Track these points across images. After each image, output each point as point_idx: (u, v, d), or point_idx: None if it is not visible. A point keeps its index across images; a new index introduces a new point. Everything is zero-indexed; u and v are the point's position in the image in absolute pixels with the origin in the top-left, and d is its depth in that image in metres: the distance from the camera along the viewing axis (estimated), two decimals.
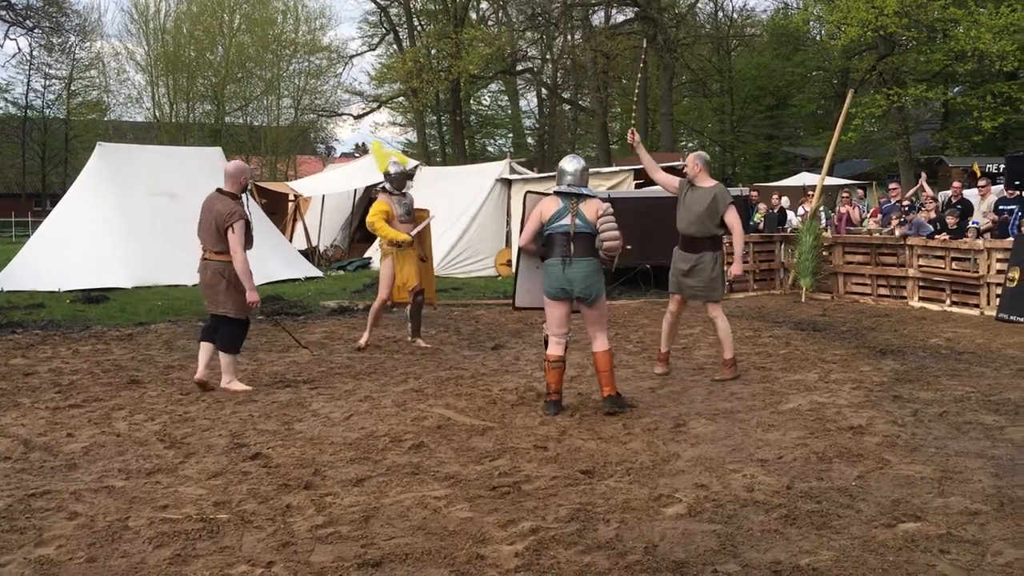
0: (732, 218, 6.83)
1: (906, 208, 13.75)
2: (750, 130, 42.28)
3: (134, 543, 3.72)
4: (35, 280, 13.55)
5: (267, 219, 15.70)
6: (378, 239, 9.10)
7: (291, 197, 21.24)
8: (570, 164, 5.97)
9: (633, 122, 7.79)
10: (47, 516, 4.05)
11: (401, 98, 40.07)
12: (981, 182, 13.65)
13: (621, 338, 9.00)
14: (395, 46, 40.51)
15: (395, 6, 39.81)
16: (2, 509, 4.13)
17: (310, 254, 18.94)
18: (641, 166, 15.57)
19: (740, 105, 41.65)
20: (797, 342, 8.79)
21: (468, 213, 16.94)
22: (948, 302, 11.12)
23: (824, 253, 12.66)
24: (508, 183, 17.19)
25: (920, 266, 11.50)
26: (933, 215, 12.87)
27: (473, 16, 39.44)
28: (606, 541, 3.67)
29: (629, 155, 26.38)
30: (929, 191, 14.31)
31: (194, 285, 12.27)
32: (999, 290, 10.35)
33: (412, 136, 46.58)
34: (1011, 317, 9.89)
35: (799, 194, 19.13)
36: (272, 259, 14.41)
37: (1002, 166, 19.88)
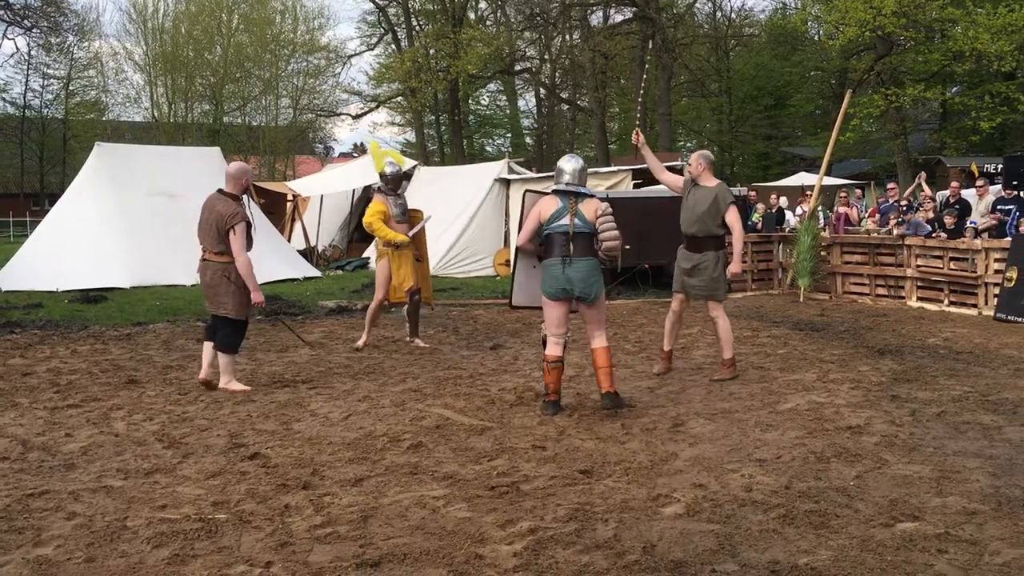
0: (732, 217, 6.84)
1: (904, 208, 13.77)
2: (748, 130, 42.30)
3: (132, 543, 3.72)
4: (33, 280, 13.54)
5: (265, 219, 15.69)
6: (375, 239, 9.10)
7: (289, 197, 21.23)
8: (569, 163, 5.97)
9: (637, 123, 7.79)
10: (45, 516, 4.04)
11: (399, 98, 40.09)
12: (979, 182, 13.67)
13: (619, 338, 9.00)
14: (393, 46, 40.52)
15: (393, 6, 39.82)
16: (0, 509, 4.12)
17: (308, 254, 18.93)
18: (639, 166, 15.74)
19: (738, 105, 41.66)
20: (795, 342, 8.79)
21: (466, 213, 16.94)
22: (946, 302, 11.13)
23: (822, 253, 12.67)
24: (506, 183, 17.20)
25: (918, 266, 11.51)
26: (931, 215, 12.89)
27: (471, 16, 39.44)
28: (604, 541, 3.67)
29: (627, 155, 26.45)
30: (928, 191, 14.32)
31: (193, 285, 12.30)
32: (997, 290, 10.37)
33: (410, 136, 46.62)
34: (1009, 317, 9.90)
35: (797, 194, 19.13)
36: (270, 259, 14.39)
37: (1000, 166, 19.91)
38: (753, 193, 17.31)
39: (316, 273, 16.47)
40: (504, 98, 48.43)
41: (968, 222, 12.16)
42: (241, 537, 3.77)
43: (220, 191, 6.62)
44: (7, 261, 14.94)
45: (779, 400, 6.22)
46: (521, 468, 4.68)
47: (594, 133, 37.14)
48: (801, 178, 26.54)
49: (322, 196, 21.02)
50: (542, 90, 44.03)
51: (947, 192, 13.60)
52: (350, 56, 44.91)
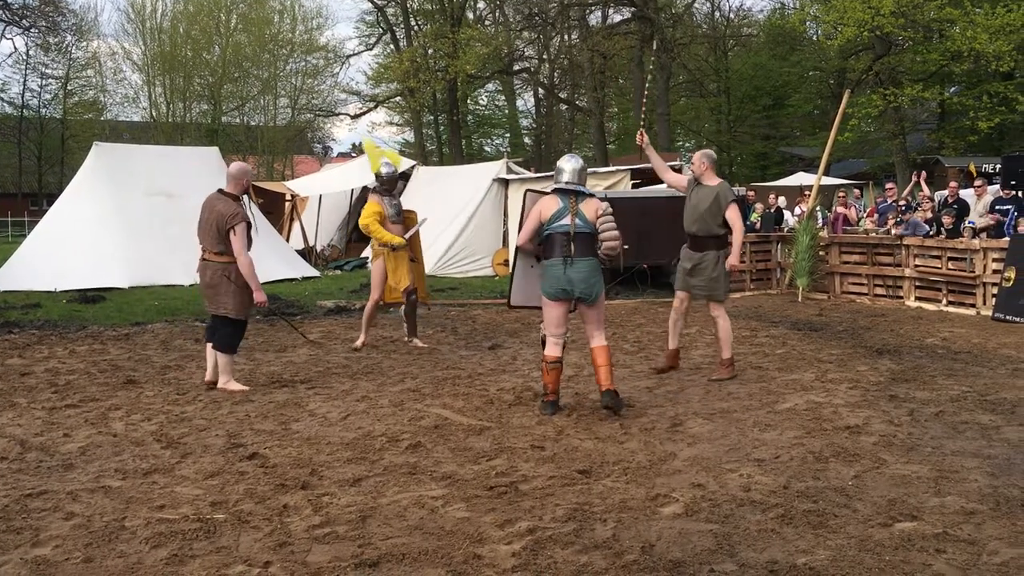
0: (733, 215, 6.86)
1: (902, 208, 13.78)
2: (747, 130, 42.31)
3: (131, 543, 3.72)
4: (31, 280, 13.53)
5: (264, 219, 15.69)
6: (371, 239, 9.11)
7: (288, 197, 21.22)
8: (568, 163, 5.97)
9: (642, 123, 7.79)
10: (44, 516, 4.04)
11: (398, 98, 40.05)
12: (977, 182, 13.68)
13: (618, 338, 9.00)
14: (392, 46, 40.48)
15: (392, 6, 39.79)
16: None
17: (307, 254, 18.93)
18: (638, 166, 15.74)
19: (737, 105, 41.67)
20: (794, 342, 8.80)
21: (465, 213, 16.95)
22: (944, 302, 11.14)
23: (821, 253, 12.68)
24: (505, 183, 17.19)
25: (916, 266, 11.52)
26: (929, 215, 12.90)
27: (470, 16, 39.41)
28: (603, 541, 3.67)
29: (625, 155, 26.42)
30: (926, 190, 14.33)
31: (191, 285, 12.30)
32: (995, 290, 10.37)
33: (409, 136, 46.59)
34: (1007, 317, 9.91)
35: (796, 194, 19.15)
36: (269, 259, 14.37)
37: (998, 166, 19.94)
38: (751, 193, 17.33)
39: (314, 273, 16.46)
40: (503, 98, 48.43)
41: (966, 222, 12.18)
42: (239, 537, 3.77)
43: (220, 191, 6.62)
44: (5, 261, 14.93)
45: (777, 400, 6.22)
46: (520, 468, 4.68)
47: (592, 133, 37.15)
48: (799, 178, 26.57)
49: (320, 196, 21.02)
50: (540, 90, 44.06)
51: (945, 192, 13.62)
52: (348, 56, 44.91)
